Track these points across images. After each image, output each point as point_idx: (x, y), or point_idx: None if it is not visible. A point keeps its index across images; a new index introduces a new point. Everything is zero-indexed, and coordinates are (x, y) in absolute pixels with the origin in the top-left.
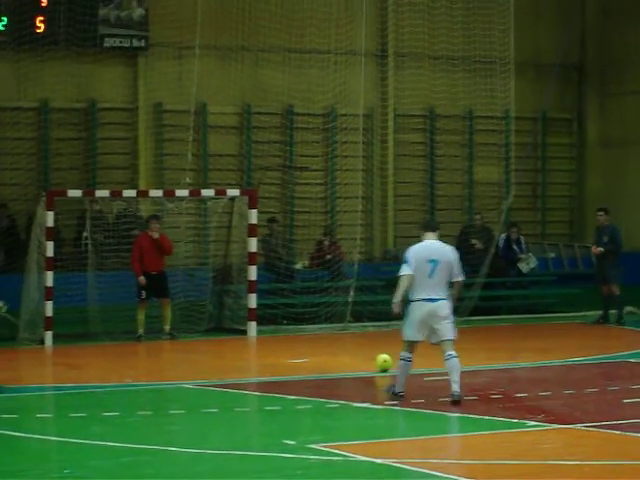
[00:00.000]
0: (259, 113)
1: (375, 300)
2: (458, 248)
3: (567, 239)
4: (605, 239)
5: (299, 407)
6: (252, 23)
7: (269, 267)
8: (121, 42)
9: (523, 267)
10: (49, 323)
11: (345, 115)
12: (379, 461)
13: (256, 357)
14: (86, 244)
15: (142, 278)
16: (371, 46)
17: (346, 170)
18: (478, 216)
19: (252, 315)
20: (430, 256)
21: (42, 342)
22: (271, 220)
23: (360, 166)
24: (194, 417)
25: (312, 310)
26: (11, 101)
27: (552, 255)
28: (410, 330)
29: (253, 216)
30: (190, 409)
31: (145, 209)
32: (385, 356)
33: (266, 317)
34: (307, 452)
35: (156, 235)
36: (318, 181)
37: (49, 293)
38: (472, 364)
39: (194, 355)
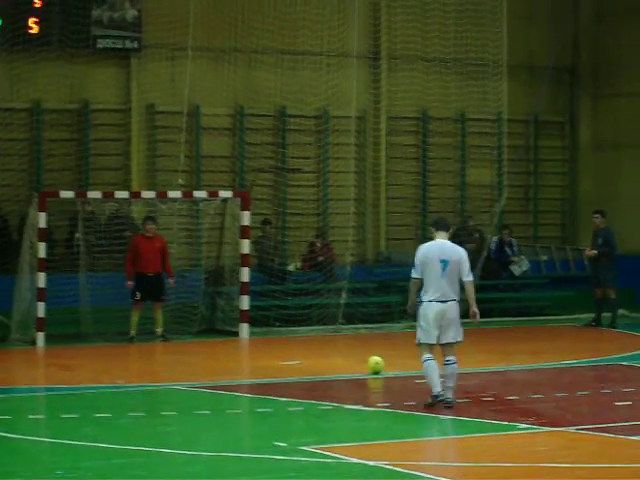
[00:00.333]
0: (252, 115)
1: (367, 302)
2: None
3: (559, 242)
4: (600, 241)
5: (291, 409)
6: (245, 25)
7: (262, 269)
8: (114, 43)
9: (515, 270)
10: (41, 324)
11: (338, 117)
12: (371, 463)
13: (248, 359)
14: (78, 245)
15: (130, 282)
16: (364, 48)
17: (338, 172)
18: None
19: (244, 317)
20: (441, 255)
21: (34, 343)
22: (264, 222)
23: (352, 168)
24: (186, 419)
25: (304, 312)
26: (4, 102)
27: (544, 258)
28: (423, 333)
29: (245, 218)
30: (182, 411)
31: (137, 210)
32: (377, 358)
33: (258, 319)
34: (299, 454)
35: (150, 235)
36: (310, 183)
37: (41, 294)
38: (464, 367)
39: (186, 357)
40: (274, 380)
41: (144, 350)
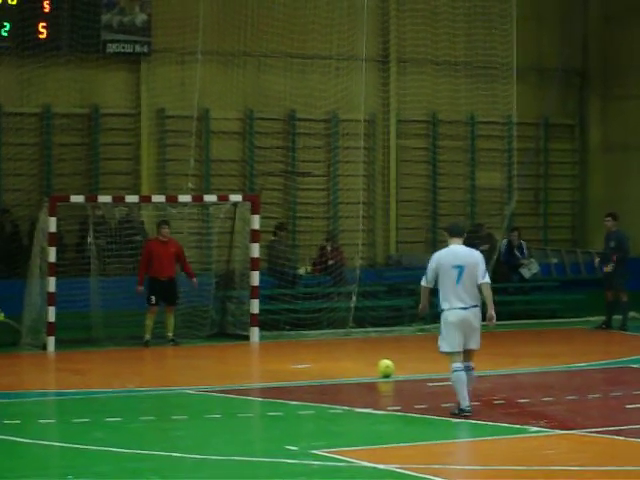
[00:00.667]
0: (261, 119)
1: (377, 305)
2: None
3: (569, 244)
4: (612, 244)
5: (302, 413)
6: (254, 29)
7: (273, 272)
8: (124, 48)
9: (525, 272)
10: (51, 328)
11: (347, 121)
12: (382, 467)
13: (258, 363)
14: (89, 249)
15: (141, 289)
16: (373, 51)
17: (348, 176)
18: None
19: (254, 321)
20: (455, 262)
21: (44, 347)
22: (279, 227)
23: (362, 171)
24: (197, 423)
25: (314, 315)
26: (14, 107)
27: (554, 260)
28: (446, 343)
29: (255, 222)
30: (193, 415)
31: (147, 215)
32: (387, 362)
33: (268, 322)
34: (310, 458)
35: (165, 239)
36: (320, 186)
37: (51, 298)
38: (475, 370)
39: (197, 361)
40: (285, 384)
41: (155, 354)
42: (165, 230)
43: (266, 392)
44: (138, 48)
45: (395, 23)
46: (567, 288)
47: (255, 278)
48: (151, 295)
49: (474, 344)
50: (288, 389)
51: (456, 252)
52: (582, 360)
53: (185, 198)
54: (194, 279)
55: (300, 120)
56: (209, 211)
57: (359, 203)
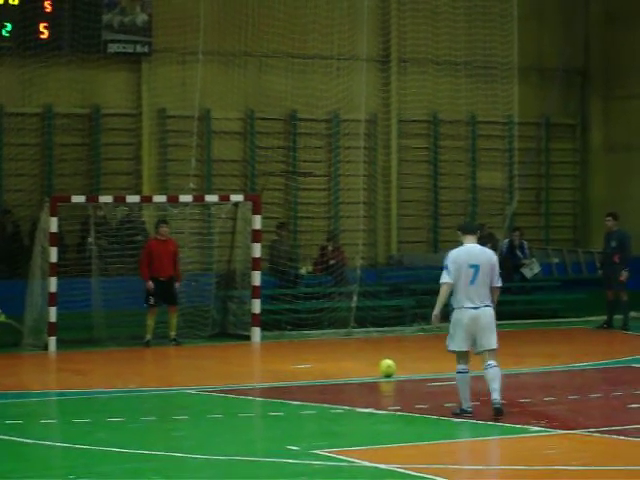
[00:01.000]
0: (262, 119)
1: (379, 305)
2: None
3: (571, 244)
4: (613, 244)
5: (303, 413)
6: (255, 29)
7: (275, 272)
8: (125, 48)
9: (526, 272)
10: (53, 329)
11: (348, 120)
12: (383, 466)
13: (260, 363)
14: (90, 250)
15: (150, 283)
16: (374, 51)
17: (349, 175)
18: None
19: (256, 321)
20: (470, 260)
21: (46, 348)
22: (280, 226)
23: (363, 171)
24: (199, 423)
25: (316, 315)
26: (15, 107)
27: (556, 260)
28: (454, 341)
29: (257, 222)
30: (194, 415)
31: (149, 215)
32: (389, 361)
33: (270, 322)
34: (311, 458)
35: (164, 238)
36: (321, 186)
37: (53, 299)
38: (476, 369)
39: (198, 361)
40: (286, 384)
41: (156, 354)
42: (164, 229)
43: (267, 392)
44: (139, 48)
45: (396, 23)
46: (568, 288)
47: (256, 278)
48: (149, 296)
49: (487, 344)
50: (289, 389)
51: (471, 251)
52: (583, 360)
53: (186, 198)
54: (178, 283)
55: (301, 120)
56: (210, 211)
57: (360, 203)
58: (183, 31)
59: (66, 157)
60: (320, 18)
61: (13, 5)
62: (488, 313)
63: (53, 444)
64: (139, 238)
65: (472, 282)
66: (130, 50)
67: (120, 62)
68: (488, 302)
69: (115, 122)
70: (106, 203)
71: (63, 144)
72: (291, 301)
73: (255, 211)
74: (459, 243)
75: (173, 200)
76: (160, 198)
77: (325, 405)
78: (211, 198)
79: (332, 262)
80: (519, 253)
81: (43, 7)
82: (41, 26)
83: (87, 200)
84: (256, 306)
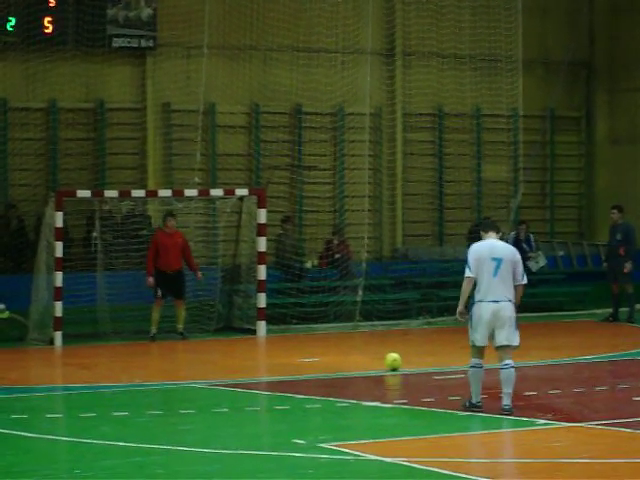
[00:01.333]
0: (267, 112)
1: (384, 299)
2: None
3: (576, 237)
4: (618, 237)
5: (309, 406)
6: (260, 23)
7: (281, 266)
8: (129, 42)
9: (532, 265)
10: (58, 323)
11: (353, 114)
12: (389, 460)
13: (265, 356)
14: (95, 244)
15: (151, 279)
16: (378, 45)
17: (354, 169)
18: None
19: (261, 314)
20: (493, 254)
21: (51, 342)
22: (285, 219)
23: (368, 165)
24: (204, 417)
25: (321, 309)
26: (20, 102)
27: (561, 253)
28: (476, 334)
29: (262, 215)
30: (200, 409)
31: (154, 209)
32: (394, 355)
33: (275, 316)
34: (317, 451)
35: (171, 231)
36: (326, 180)
37: (58, 293)
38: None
39: (204, 355)
40: (292, 377)
41: (162, 348)
42: (171, 222)
43: (273, 386)
44: (144, 42)
45: (400, 16)
46: (574, 280)
47: (262, 272)
48: (157, 288)
49: (506, 339)
50: (295, 383)
51: (494, 245)
52: (589, 353)
53: (191, 192)
54: (199, 273)
55: (306, 114)
56: (215, 205)
57: (365, 196)
58: (188, 25)
59: (71, 152)
60: (325, 12)
61: None
62: (509, 308)
63: (58, 438)
64: (144, 232)
65: (494, 275)
66: (135, 44)
67: (125, 56)
68: (511, 297)
69: (120, 116)
70: (111, 197)
71: (68, 139)
72: (296, 295)
73: (260, 205)
74: (464, 236)
75: (178, 194)
76: (165, 192)
77: (331, 399)
78: (216, 192)
79: (337, 256)
80: (525, 246)
81: (47, 1)
82: (45, 20)
83: (92, 195)
84: (261, 300)
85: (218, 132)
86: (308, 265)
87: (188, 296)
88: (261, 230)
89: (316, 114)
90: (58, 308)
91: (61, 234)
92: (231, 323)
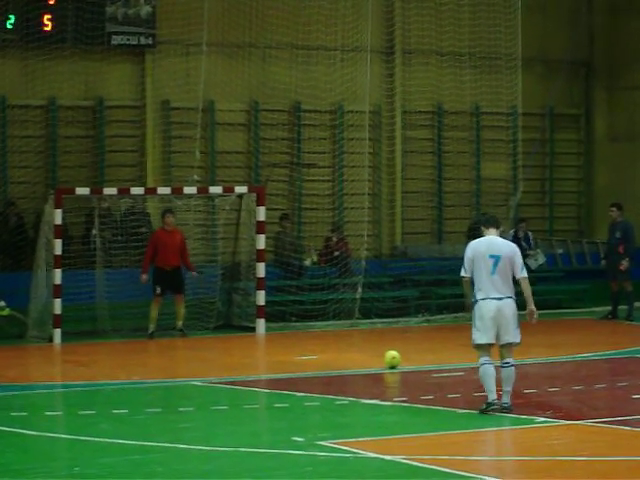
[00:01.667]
0: (266, 110)
1: (383, 296)
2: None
3: (575, 235)
4: (617, 235)
5: (308, 404)
6: (259, 20)
7: (280, 264)
8: (128, 40)
9: (531, 263)
10: (58, 321)
11: (352, 112)
12: (388, 458)
13: (265, 354)
14: (94, 242)
15: (145, 277)
16: (378, 43)
17: (353, 167)
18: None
19: (261, 312)
20: (490, 251)
21: (51, 340)
22: (283, 217)
23: (367, 163)
24: (203, 414)
25: (320, 307)
26: (19, 99)
27: (560, 251)
28: (479, 333)
29: (261, 213)
30: (199, 406)
31: (153, 207)
32: (394, 352)
33: (275, 314)
34: (316, 449)
35: (170, 228)
36: (326, 178)
37: (57, 291)
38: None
39: (203, 352)
40: (291, 375)
41: (161, 346)
42: (169, 219)
43: (272, 383)
44: (143, 40)
45: (400, 14)
46: (573, 278)
47: (261, 269)
48: (156, 285)
49: (510, 337)
50: (294, 380)
51: (492, 242)
52: (588, 350)
53: (190, 190)
54: (194, 273)
55: (305, 111)
56: (214, 203)
57: (364, 194)
58: (187, 23)
59: (70, 149)
60: (324, 9)
61: None
62: (510, 305)
63: (57, 436)
64: (143, 230)
65: (492, 273)
66: (134, 42)
67: (124, 54)
68: (511, 294)
69: (119, 114)
70: (110, 195)
71: (67, 136)
72: (296, 292)
73: (259, 202)
74: (463, 234)
75: (177, 192)
76: (164, 190)
77: (330, 396)
78: (215, 190)
79: (336, 253)
80: (524, 244)
81: None
82: (45, 18)
83: (91, 192)
84: (261, 297)
85: (217, 130)
86: (307, 262)
87: (187, 294)
88: (260, 228)
89: (315, 112)
90: (57, 306)
91: (60, 232)
92: (230, 321)
